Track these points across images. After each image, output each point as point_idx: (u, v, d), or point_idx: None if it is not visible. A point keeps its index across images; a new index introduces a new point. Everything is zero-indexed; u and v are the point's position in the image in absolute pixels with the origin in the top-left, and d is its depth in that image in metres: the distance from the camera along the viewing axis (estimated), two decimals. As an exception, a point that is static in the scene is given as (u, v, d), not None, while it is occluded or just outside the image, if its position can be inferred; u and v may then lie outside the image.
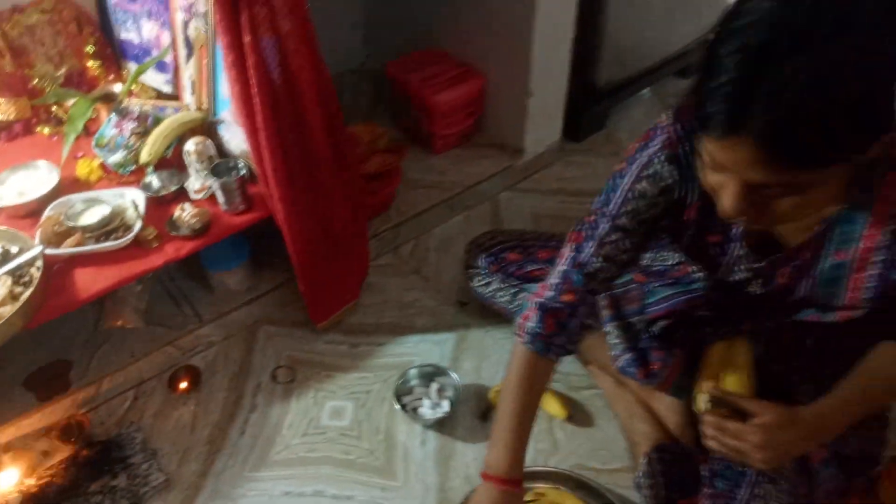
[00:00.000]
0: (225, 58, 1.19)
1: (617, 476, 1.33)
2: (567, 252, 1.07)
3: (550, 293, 1.07)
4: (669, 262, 1.30)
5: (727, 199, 0.80)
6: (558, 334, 1.06)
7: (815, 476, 1.11)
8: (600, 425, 1.42)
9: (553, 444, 1.39)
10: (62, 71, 1.68)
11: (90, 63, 1.69)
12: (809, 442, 0.98)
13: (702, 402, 1.01)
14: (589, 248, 1.04)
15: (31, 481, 1.29)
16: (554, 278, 1.07)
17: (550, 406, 1.43)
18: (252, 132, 1.27)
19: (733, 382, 1.07)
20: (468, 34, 1.94)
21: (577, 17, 1.81)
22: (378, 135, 1.80)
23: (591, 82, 2.00)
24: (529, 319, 1.06)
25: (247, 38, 1.14)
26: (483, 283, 1.51)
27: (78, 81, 1.69)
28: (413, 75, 1.92)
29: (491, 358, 1.55)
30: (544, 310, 1.06)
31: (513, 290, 1.48)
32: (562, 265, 1.07)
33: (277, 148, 1.28)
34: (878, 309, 0.96)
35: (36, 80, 1.65)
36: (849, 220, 0.90)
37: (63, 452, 1.34)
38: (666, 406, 1.32)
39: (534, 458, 1.36)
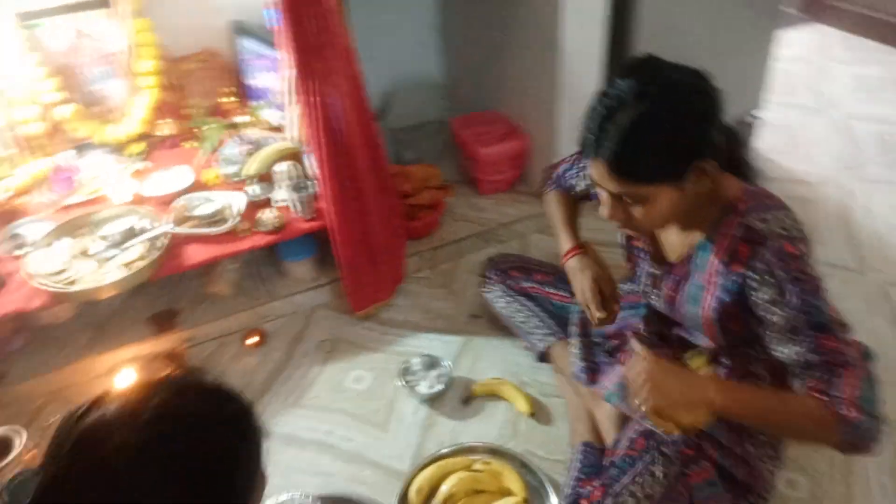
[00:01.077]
0: (301, 109, 1.70)
1: (555, 465, 1.65)
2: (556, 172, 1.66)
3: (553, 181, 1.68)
4: (626, 289, 1.65)
5: (603, 206, 1.24)
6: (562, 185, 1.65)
7: (694, 491, 1.36)
8: (556, 426, 1.76)
9: (514, 432, 1.75)
10: (207, 104, 2.29)
11: (227, 100, 2.29)
12: (687, 396, 1.16)
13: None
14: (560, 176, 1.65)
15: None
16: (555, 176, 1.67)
17: (519, 402, 1.79)
18: (319, 162, 1.77)
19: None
20: (518, 103, 2.37)
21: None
22: (431, 175, 2.27)
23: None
24: (548, 186, 1.67)
25: (312, 98, 1.65)
26: (488, 290, 1.91)
27: (216, 112, 2.29)
28: (468, 131, 2.38)
29: (484, 360, 1.94)
30: (555, 181, 1.66)
31: (508, 299, 1.86)
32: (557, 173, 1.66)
33: (334, 175, 1.77)
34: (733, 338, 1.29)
35: (188, 109, 2.27)
36: (704, 249, 1.27)
37: (165, 370, 1.88)
38: (603, 413, 1.64)
39: (495, 438, 1.73)
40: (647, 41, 2.10)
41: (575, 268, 1.55)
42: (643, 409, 1.18)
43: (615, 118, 1.13)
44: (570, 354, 1.69)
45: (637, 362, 1.22)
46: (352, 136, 1.73)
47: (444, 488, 1.56)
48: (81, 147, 2.14)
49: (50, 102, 2.06)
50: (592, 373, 1.64)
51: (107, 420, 0.72)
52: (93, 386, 1.86)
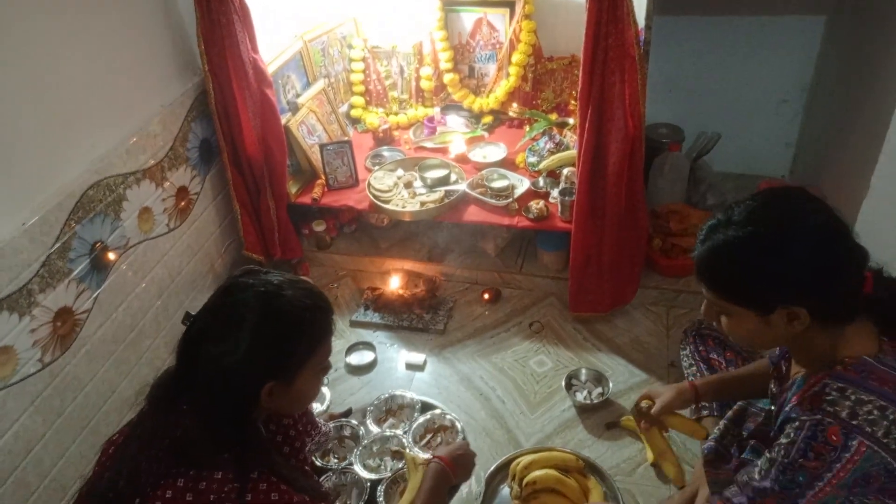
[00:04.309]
0: (578, 127, 1.99)
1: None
2: None
3: None
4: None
5: (703, 305, 1.33)
6: None
7: None
8: (668, 486, 1.83)
9: (630, 471, 1.87)
10: (555, 100, 2.70)
11: (572, 102, 2.66)
12: None
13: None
14: None
15: (400, 291, 2.46)
16: None
17: (669, 468, 1.85)
18: (578, 176, 2.06)
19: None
20: (833, 189, 2.22)
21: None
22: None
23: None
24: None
25: (586, 122, 1.92)
26: (683, 347, 1.99)
27: (558, 109, 2.69)
28: (768, 197, 2.32)
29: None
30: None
31: (691, 361, 1.92)
32: None
33: (585, 191, 2.04)
34: None
35: (538, 100, 2.72)
36: (798, 385, 1.27)
37: (420, 288, 2.47)
38: (702, 498, 1.68)
39: (610, 467, 1.87)
40: None
41: (667, 386, 1.72)
42: None
43: (719, 229, 1.21)
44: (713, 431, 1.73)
45: None
46: (612, 166, 1.97)
47: (533, 475, 1.82)
48: (448, 107, 2.79)
49: (442, 69, 2.73)
50: (718, 457, 1.68)
51: (244, 283, 1.22)
52: (375, 276, 2.56)
